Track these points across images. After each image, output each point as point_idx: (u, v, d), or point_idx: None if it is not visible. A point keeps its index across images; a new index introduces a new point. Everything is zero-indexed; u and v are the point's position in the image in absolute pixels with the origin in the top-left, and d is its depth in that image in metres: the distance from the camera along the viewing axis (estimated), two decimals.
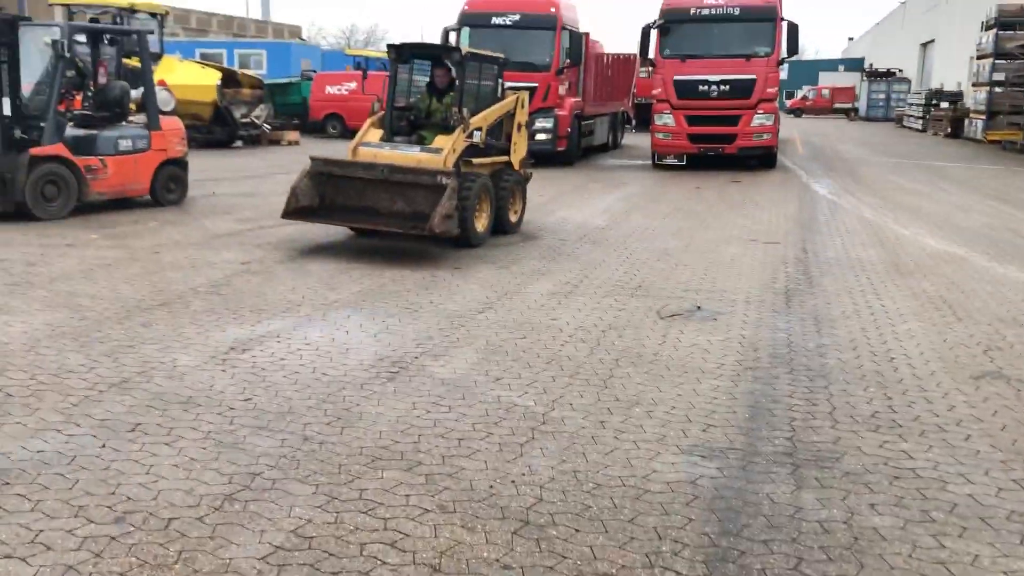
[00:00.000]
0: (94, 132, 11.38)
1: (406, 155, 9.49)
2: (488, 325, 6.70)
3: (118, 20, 20.60)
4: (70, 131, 11.10)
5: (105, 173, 11.22)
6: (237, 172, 17.18)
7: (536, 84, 19.15)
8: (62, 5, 21.93)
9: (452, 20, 20.30)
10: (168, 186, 12.26)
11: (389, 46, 10.45)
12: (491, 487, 4.00)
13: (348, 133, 26.89)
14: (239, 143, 23.18)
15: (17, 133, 10.40)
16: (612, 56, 25.53)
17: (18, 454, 4.18)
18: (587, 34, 21.50)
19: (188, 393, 5.06)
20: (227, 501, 3.79)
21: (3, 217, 10.46)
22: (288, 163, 18.51)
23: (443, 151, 9.36)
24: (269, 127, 24.32)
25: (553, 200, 14.34)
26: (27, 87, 10.83)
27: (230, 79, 23.28)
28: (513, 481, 4.06)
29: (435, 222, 8.52)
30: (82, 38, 12.14)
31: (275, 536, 3.52)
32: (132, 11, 21.20)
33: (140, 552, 3.37)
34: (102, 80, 12.23)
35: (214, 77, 21.93)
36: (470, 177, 9.47)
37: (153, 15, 21.78)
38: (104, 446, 4.31)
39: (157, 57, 21.14)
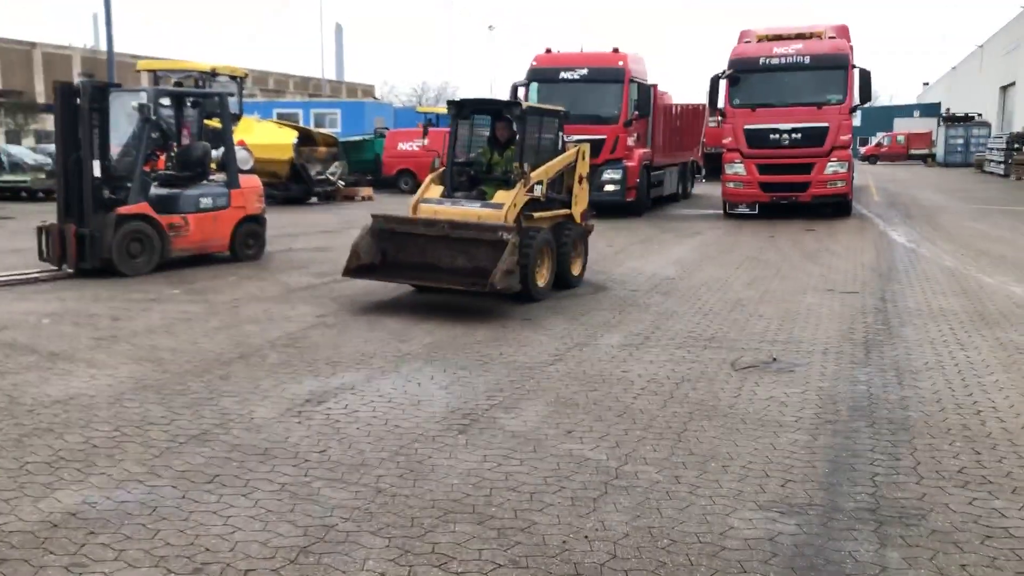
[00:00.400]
0: (177, 191, 11.83)
1: (467, 211, 9.56)
2: (559, 377, 6.68)
3: (200, 83, 21.50)
4: (154, 190, 11.57)
5: (187, 230, 11.63)
6: (312, 227, 17.60)
7: (604, 136, 19.31)
8: (148, 71, 22.98)
9: (521, 76, 20.65)
10: (247, 242, 12.62)
11: (449, 102, 10.58)
12: (564, 542, 3.95)
13: (418, 187, 27.38)
14: (315, 199, 23.78)
15: (105, 193, 10.88)
16: (681, 107, 25.59)
17: (102, 504, 4.29)
18: (655, 86, 21.60)
19: (265, 445, 5.15)
20: (302, 553, 3.82)
21: (91, 273, 10.91)
22: (361, 218, 18.87)
23: (504, 206, 9.38)
24: (343, 183, 24.94)
25: (623, 251, 14.31)
26: (114, 149, 11.35)
27: (306, 138, 24.00)
28: (586, 536, 4.01)
29: (496, 278, 8.41)
30: (166, 101, 12.68)
31: None
32: (213, 75, 22.11)
33: None
34: (185, 141, 12.74)
35: (290, 136, 22.64)
36: (531, 231, 9.41)
37: (233, 78, 22.68)
38: (184, 497, 4.40)
39: (236, 118, 21.93)
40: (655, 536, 4.01)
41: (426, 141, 27.76)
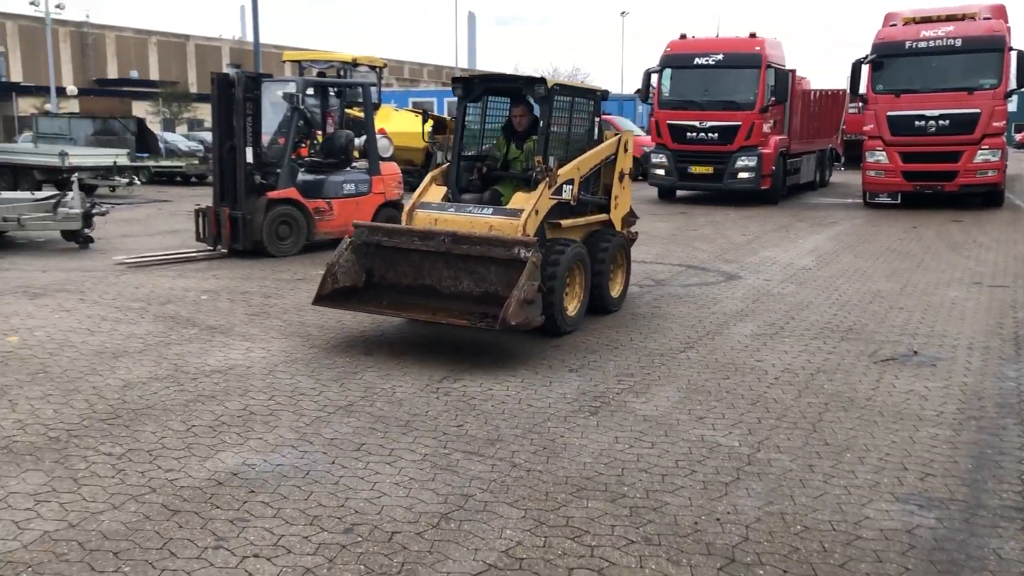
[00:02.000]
0: (322, 177, 12.39)
1: (474, 219, 7.42)
2: (690, 364, 6.70)
3: (341, 73, 22.29)
4: (301, 176, 12.15)
5: (331, 214, 12.17)
6: None
7: (739, 122, 18.99)
8: (294, 61, 23.97)
9: (654, 63, 20.50)
10: None
11: (455, 80, 8.23)
12: (696, 523, 4.02)
13: None
14: None
15: (257, 178, 11.51)
16: (820, 92, 24.79)
17: (261, 466, 4.64)
18: (793, 71, 21.04)
19: (406, 418, 5.41)
20: (443, 519, 4.03)
21: (243, 254, 11.59)
22: None
23: (522, 213, 7.25)
24: None
25: (756, 239, 14.07)
26: (264, 137, 11.98)
27: (440, 126, 24.54)
28: (718, 519, 4.06)
29: (510, 312, 6.28)
30: (311, 91, 13.27)
31: (488, 555, 3.71)
32: (354, 64, 22.87)
33: (367, 561, 3.66)
34: (330, 129, 13.31)
35: (426, 124, 23.17)
36: (558, 245, 7.39)
37: (372, 67, 23.40)
38: (334, 463, 4.70)
39: (375, 107, 22.70)
40: (788, 522, 4.03)
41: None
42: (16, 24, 48.38)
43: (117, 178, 21.81)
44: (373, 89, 22.71)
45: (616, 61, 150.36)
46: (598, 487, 4.41)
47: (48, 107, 39.40)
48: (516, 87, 8.15)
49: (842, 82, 23.61)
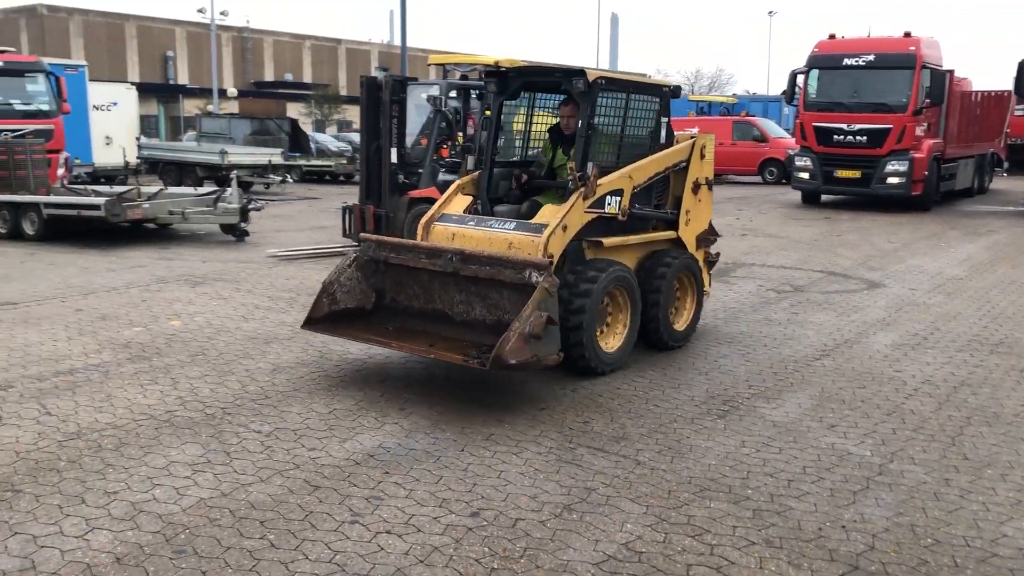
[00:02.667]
0: None
1: (494, 235, 6.37)
2: (824, 372, 6.56)
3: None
4: (442, 176, 12.52)
5: None
6: None
7: (890, 125, 18.25)
8: (438, 65, 24.62)
9: (802, 63, 19.96)
10: None
11: (487, 72, 7.09)
12: (820, 529, 3.98)
13: None
14: None
15: (400, 178, 11.96)
16: (982, 94, 23.49)
17: (395, 450, 4.88)
18: (951, 72, 20.03)
19: (534, 412, 5.56)
20: (566, 510, 4.15)
21: None
22: None
23: (547, 228, 6.14)
24: None
25: (904, 247, 13.51)
26: (408, 138, 12.42)
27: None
28: (843, 526, 4.01)
29: (507, 348, 5.23)
30: (454, 93, 13.64)
31: (608, 546, 3.80)
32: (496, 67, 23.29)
33: (492, 544, 3.82)
34: (470, 131, 13.64)
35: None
36: (593, 268, 6.24)
37: None
38: (463, 450, 4.89)
39: None
40: (918, 534, 3.94)
41: (695, 131, 27.80)
42: (184, 30, 51.63)
43: (271, 176, 23.01)
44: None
45: (763, 62, 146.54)
46: (721, 488, 4.42)
47: (210, 108, 41.92)
48: (556, 81, 6.87)
49: (1007, 83, 22.23)
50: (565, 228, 6.19)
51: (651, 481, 4.50)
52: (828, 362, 6.84)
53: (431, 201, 12.07)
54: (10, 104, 16.64)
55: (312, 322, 6.39)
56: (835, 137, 19.03)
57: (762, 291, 9.71)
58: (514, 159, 7.45)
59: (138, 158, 24.11)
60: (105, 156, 22.88)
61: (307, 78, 57.56)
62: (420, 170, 12.21)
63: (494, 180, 7.07)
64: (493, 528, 3.96)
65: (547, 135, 7.24)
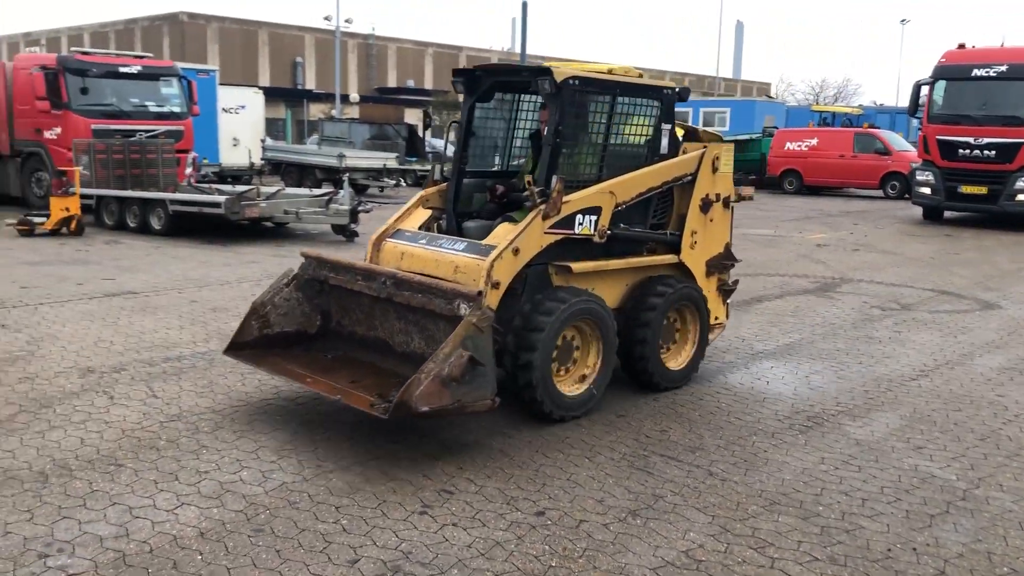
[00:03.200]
0: None
1: (441, 256, 5.59)
2: (919, 393, 6.36)
3: None
4: None
5: None
6: None
7: (1023, 140, 17.38)
8: None
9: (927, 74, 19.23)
10: None
11: (455, 72, 6.27)
12: (889, 550, 3.90)
13: (804, 190, 26.61)
14: None
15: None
16: None
17: (471, 447, 5.02)
18: None
19: (612, 418, 5.61)
20: (631, 515, 4.20)
21: None
22: (739, 218, 18.98)
23: (494, 251, 5.30)
24: None
25: None
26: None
27: (691, 136, 24.40)
28: (915, 549, 3.92)
29: (416, 393, 4.51)
30: None
31: (667, 552, 3.83)
32: (610, 75, 23.32)
33: (552, 542, 3.90)
34: None
35: (677, 134, 23.19)
36: (553, 299, 5.36)
37: None
38: (537, 451, 4.99)
39: None
40: (994, 562, 3.81)
41: (815, 141, 27.09)
42: (313, 37, 53.61)
43: (385, 179, 23.69)
44: None
45: (893, 72, 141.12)
46: (792, 503, 4.38)
47: (333, 112, 43.37)
48: (526, 81, 5.95)
49: None
50: (517, 252, 5.30)
51: (721, 492, 4.50)
52: (925, 383, 6.63)
53: None
54: (145, 106, 17.70)
55: (236, 347, 5.72)
56: (961, 151, 18.23)
57: (866, 308, 9.44)
58: (494, 168, 6.59)
59: (262, 159, 25.21)
60: (232, 157, 24.02)
61: (428, 84, 58.82)
62: None
63: (465, 192, 6.29)
64: (556, 528, 4.05)
65: (529, 142, 6.49)
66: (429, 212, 6.19)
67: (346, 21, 45.32)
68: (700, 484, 4.59)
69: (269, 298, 5.88)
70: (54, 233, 13.56)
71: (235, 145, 24.23)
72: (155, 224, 14.02)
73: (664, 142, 6.23)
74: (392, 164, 24.41)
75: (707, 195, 6.43)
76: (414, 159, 28.16)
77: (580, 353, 5.65)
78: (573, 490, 4.48)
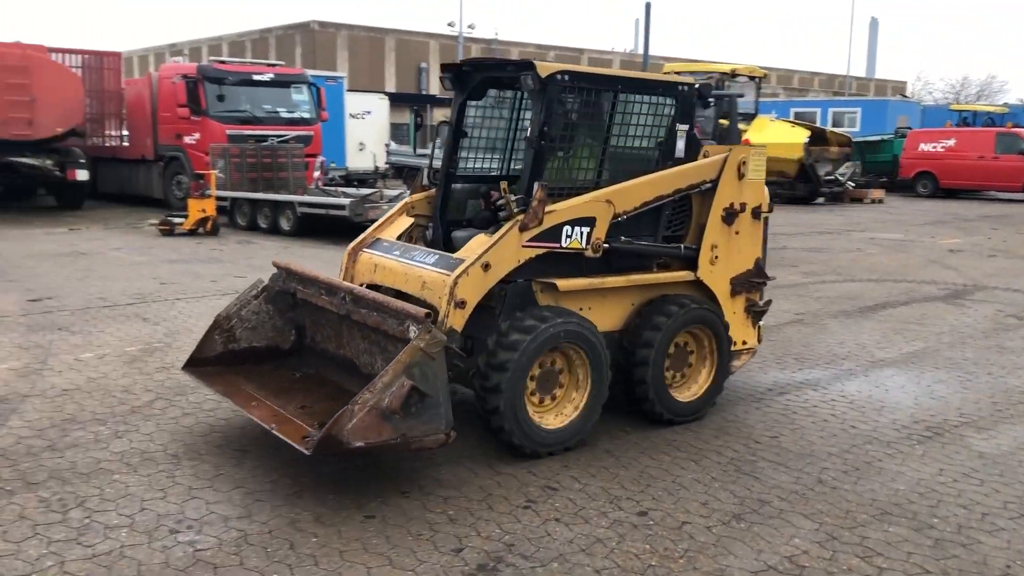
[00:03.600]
0: None
1: (411, 269, 5.14)
2: None
3: (720, 85, 22.44)
4: None
5: None
6: (812, 228, 17.48)
7: None
8: (675, 73, 24.61)
9: None
10: None
11: (443, 67, 5.77)
12: (1008, 567, 3.75)
13: (938, 192, 25.46)
14: (821, 200, 23.43)
15: None
16: None
17: (578, 447, 5.06)
18: None
19: (722, 423, 5.56)
20: (735, 519, 4.17)
21: None
22: (866, 221, 18.37)
23: (460, 265, 4.80)
24: (852, 184, 24.20)
25: None
26: None
27: (819, 137, 23.72)
28: None
29: (348, 426, 4.05)
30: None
31: (770, 557, 3.80)
32: (733, 75, 22.90)
33: (654, 542, 3.93)
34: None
35: (802, 135, 22.59)
36: (532, 318, 4.80)
37: (752, 78, 23.27)
38: (643, 453, 5.02)
39: (751, 117, 22.55)
40: None
41: (952, 142, 25.86)
42: (438, 42, 54.70)
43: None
44: (749, 99, 22.61)
45: None
46: (905, 514, 4.25)
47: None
48: (511, 74, 5.39)
49: None
50: (487, 267, 4.77)
51: (830, 500, 4.41)
52: None
53: None
54: (277, 112, 18.51)
55: (196, 363, 5.37)
56: None
57: (1000, 316, 9.00)
58: (493, 172, 5.99)
59: (386, 163, 25.94)
60: (358, 161, 24.81)
61: None
62: None
63: (457, 198, 5.80)
64: (658, 528, 4.07)
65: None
66: (411, 220, 5.76)
67: (469, 27, 46.18)
68: (808, 491, 4.52)
69: (235, 311, 5.50)
70: (191, 233, 14.36)
71: (361, 149, 25.03)
72: (284, 225, 14.66)
73: (680, 145, 5.57)
74: None
75: (731, 204, 5.66)
76: None
77: (566, 382, 5.05)
78: (677, 492, 4.48)
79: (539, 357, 4.80)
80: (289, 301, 5.55)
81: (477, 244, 4.94)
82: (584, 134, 5.42)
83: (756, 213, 5.80)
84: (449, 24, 46.48)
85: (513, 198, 4.92)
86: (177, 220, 14.61)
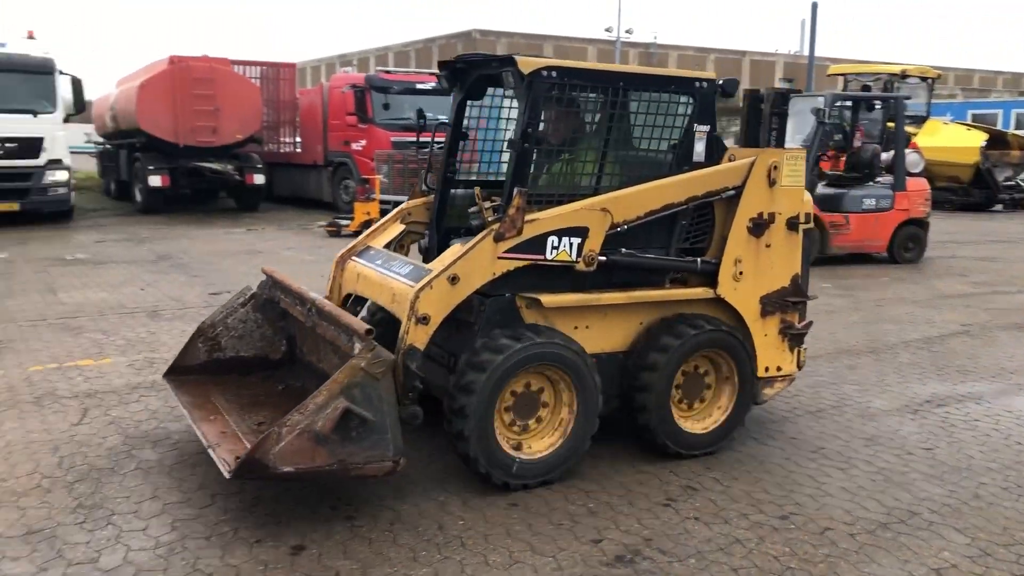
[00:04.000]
0: (842, 191, 12.34)
1: (385, 280, 4.83)
2: None
3: (888, 87, 21.51)
4: (821, 189, 12.24)
5: (847, 229, 12.08)
6: (985, 236, 16.48)
7: None
8: (840, 75, 23.76)
9: None
10: (906, 245, 12.56)
11: (439, 63, 5.39)
12: None
13: None
14: (998, 207, 22.02)
15: None
16: None
17: (721, 450, 5.07)
18: None
19: (872, 432, 5.44)
20: (880, 528, 4.10)
21: None
22: None
23: (425, 278, 4.39)
24: None
25: None
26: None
27: (998, 140, 22.32)
28: None
29: (274, 450, 3.76)
30: (848, 104, 13.25)
31: (917, 568, 3.73)
32: (903, 76, 21.91)
33: (793, 545, 3.92)
34: (856, 144, 13.15)
35: (978, 139, 21.33)
36: (508, 336, 4.40)
37: (924, 79, 22.18)
38: (788, 459, 4.98)
39: (922, 120, 21.50)
40: None
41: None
42: (595, 48, 54.89)
43: None
44: (920, 101, 21.58)
45: None
46: None
47: None
48: (496, 71, 4.93)
49: None
50: (454, 279, 4.35)
51: (986, 515, 4.26)
52: None
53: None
54: (438, 119, 19.12)
55: (178, 371, 5.20)
56: None
57: None
58: (503, 178, 5.31)
59: None
60: None
61: None
62: None
63: (459, 204, 5.42)
64: (799, 532, 4.05)
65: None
66: (402, 228, 5.45)
67: (627, 32, 46.12)
68: (963, 505, 4.37)
69: (221, 319, 5.31)
70: (356, 234, 15.06)
71: None
72: None
73: (699, 148, 5.00)
74: None
75: (760, 214, 5.03)
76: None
77: (550, 407, 4.62)
78: (822, 499, 4.44)
79: (512, 380, 4.38)
80: (277, 310, 5.35)
81: (449, 255, 4.57)
82: (580, 136, 5.01)
83: (793, 224, 5.14)
84: (606, 29, 46.53)
85: (487, 205, 4.60)
86: (343, 222, 15.41)
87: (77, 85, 16.70)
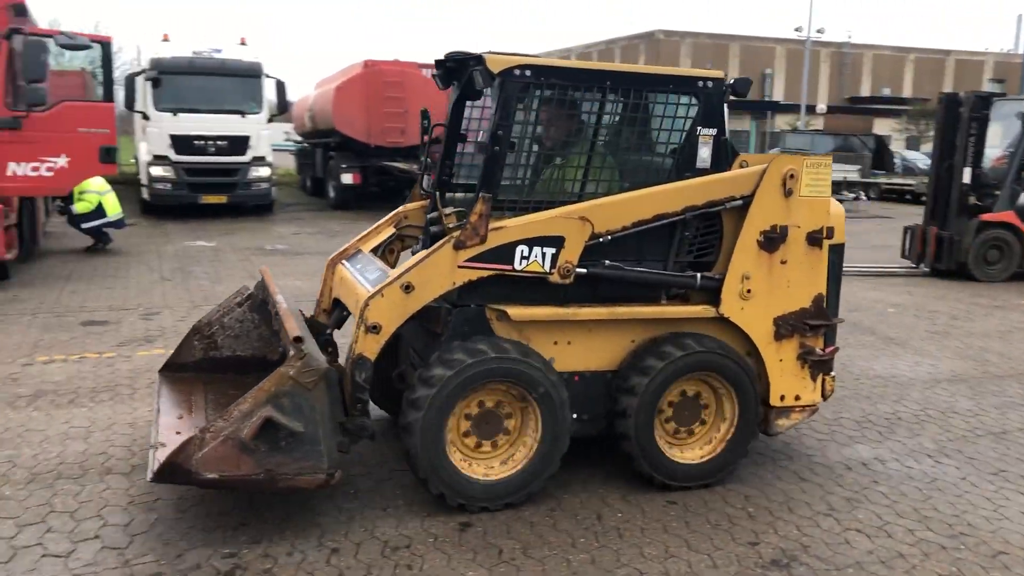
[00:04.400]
0: None
1: (355, 285, 4.65)
2: None
3: None
4: (1022, 200, 11.47)
5: None
6: None
7: None
8: None
9: None
10: None
11: (436, 64, 4.89)
12: None
13: None
14: None
15: (971, 199, 11.29)
16: None
17: (890, 464, 4.98)
18: None
19: None
20: None
21: (944, 274, 11.50)
22: None
23: (377, 285, 4.24)
24: None
25: None
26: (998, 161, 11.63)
27: None
28: None
29: (197, 455, 3.69)
30: None
31: None
32: None
33: (961, 566, 3.82)
34: None
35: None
36: (462, 350, 4.12)
37: None
38: (964, 479, 4.80)
39: None
40: None
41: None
42: (784, 48, 53.16)
43: (844, 193, 22.93)
44: None
45: None
46: None
47: (798, 124, 42.72)
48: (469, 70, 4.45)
49: None
50: (408, 288, 4.10)
51: None
52: None
53: (1004, 226, 11.24)
54: None
55: (173, 368, 5.14)
56: None
57: None
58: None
59: None
60: None
61: (906, 92, 55.09)
62: (997, 192, 11.37)
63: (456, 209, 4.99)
64: (969, 553, 3.93)
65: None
66: (392, 231, 5.25)
67: (818, 31, 44.42)
68: None
69: (217, 318, 5.25)
70: None
71: None
72: None
73: (704, 153, 4.54)
74: (854, 177, 23.57)
75: (773, 227, 4.53)
76: (880, 172, 26.82)
77: (515, 426, 4.32)
78: (998, 522, 4.27)
79: (464, 396, 4.12)
80: (264, 310, 5.24)
81: (410, 262, 4.27)
82: (559, 140, 4.66)
83: (815, 239, 4.61)
84: (796, 29, 45.02)
85: (448, 211, 4.38)
86: None
87: (281, 88, 17.97)
